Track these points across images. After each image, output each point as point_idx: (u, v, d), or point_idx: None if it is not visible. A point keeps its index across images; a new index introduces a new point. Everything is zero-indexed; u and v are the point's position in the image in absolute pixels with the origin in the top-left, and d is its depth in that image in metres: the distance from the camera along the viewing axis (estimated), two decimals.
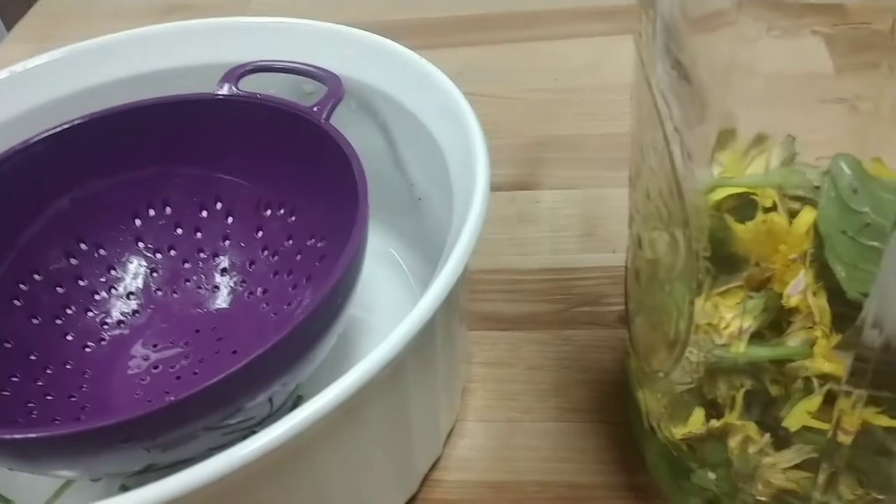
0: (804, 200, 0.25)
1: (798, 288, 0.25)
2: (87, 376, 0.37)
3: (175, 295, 0.40)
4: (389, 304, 0.40)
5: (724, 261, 0.25)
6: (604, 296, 0.39)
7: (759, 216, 0.23)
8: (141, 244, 0.40)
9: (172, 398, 0.26)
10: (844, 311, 0.23)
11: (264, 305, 0.38)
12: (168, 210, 0.40)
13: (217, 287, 0.40)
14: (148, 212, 0.40)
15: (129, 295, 0.39)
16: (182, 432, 0.28)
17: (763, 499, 0.26)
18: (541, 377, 0.37)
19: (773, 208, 0.24)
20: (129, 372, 0.37)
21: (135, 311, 0.39)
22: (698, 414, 0.26)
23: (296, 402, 0.35)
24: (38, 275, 0.37)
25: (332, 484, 0.28)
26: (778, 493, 0.26)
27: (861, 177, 0.24)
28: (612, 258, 0.41)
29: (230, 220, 0.40)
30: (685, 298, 0.24)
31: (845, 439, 0.24)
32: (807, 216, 0.24)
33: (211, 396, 0.27)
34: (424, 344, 0.28)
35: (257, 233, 0.40)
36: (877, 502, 0.25)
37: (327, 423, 0.24)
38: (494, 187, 0.47)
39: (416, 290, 0.41)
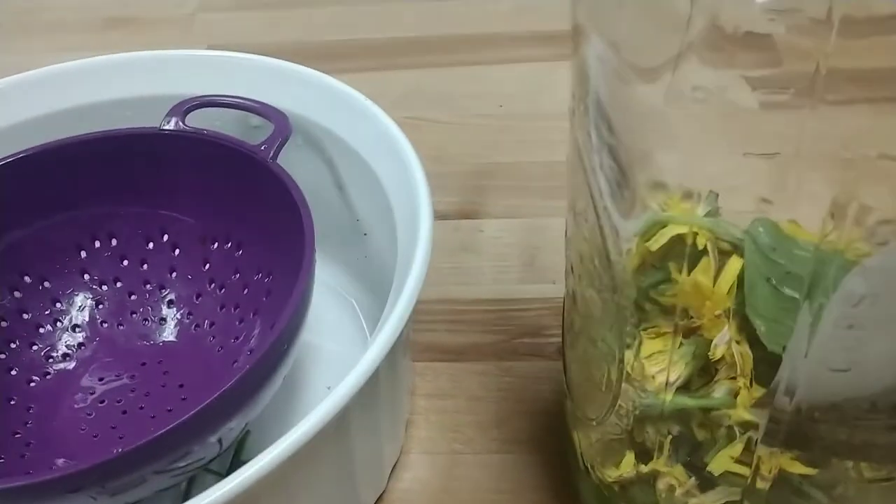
0: (733, 245, 0.26)
1: (723, 340, 0.26)
2: (31, 412, 0.37)
3: (121, 327, 0.40)
4: (336, 333, 0.41)
5: (655, 310, 0.26)
6: (544, 327, 0.41)
7: (683, 276, 0.24)
8: (86, 276, 0.40)
9: (120, 449, 0.27)
10: (767, 358, 0.25)
11: (211, 338, 0.39)
12: (114, 242, 0.40)
13: (164, 319, 0.40)
14: (93, 244, 0.40)
15: (74, 328, 0.39)
16: (131, 478, 0.29)
17: None
18: (482, 408, 0.38)
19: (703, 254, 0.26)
20: (75, 406, 0.37)
21: (80, 344, 0.39)
22: (629, 458, 0.28)
23: (243, 436, 0.36)
24: None
25: None
26: None
27: (777, 237, 0.26)
28: (552, 289, 0.42)
29: (177, 252, 0.40)
30: (615, 355, 0.25)
31: (763, 484, 0.25)
32: (734, 265, 0.26)
33: (159, 445, 0.28)
34: (369, 389, 0.29)
35: (204, 265, 0.40)
36: None
37: (274, 475, 0.25)
38: (439, 216, 0.48)
39: (362, 321, 0.42)
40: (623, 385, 0.26)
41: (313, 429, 0.25)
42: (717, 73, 0.20)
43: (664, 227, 0.26)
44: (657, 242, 0.26)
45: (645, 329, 0.25)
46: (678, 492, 0.28)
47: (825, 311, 0.20)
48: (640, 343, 0.25)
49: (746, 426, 0.26)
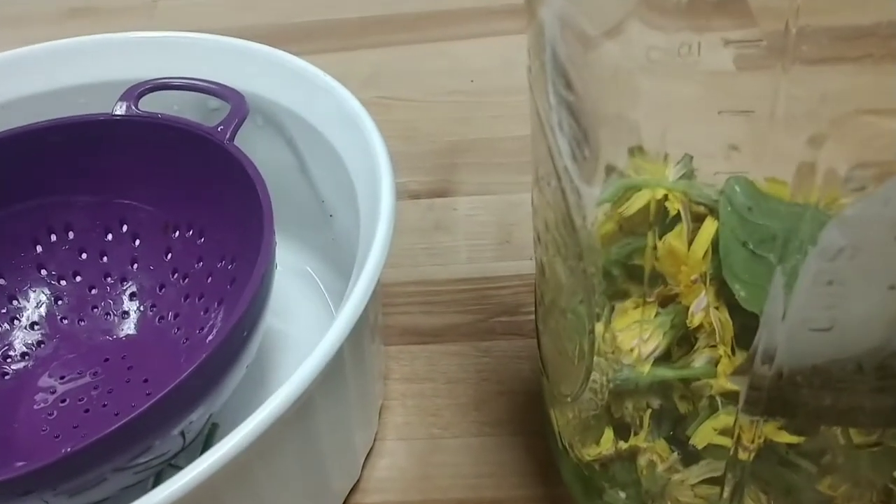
0: (708, 208, 0.25)
1: (700, 306, 0.25)
2: None
3: (82, 323, 0.38)
4: (305, 319, 0.40)
5: (624, 277, 0.25)
6: (521, 304, 0.39)
7: (653, 241, 0.23)
8: (43, 271, 0.38)
9: (69, 448, 0.25)
10: (749, 324, 0.24)
11: (176, 330, 0.37)
12: (71, 235, 0.39)
13: (126, 313, 0.38)
14: (49, 237, 0.38)
15: (32, 325, 0.38)
16: (87, 478, 0.27)
17: None
18: (460, 391, 0.37)
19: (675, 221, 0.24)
20: (36, 407, 0.36)
21: (39, 342, 0.38)
22: (608, 434, 0.26)
23: (211, 430, 0.35)
24: None
25: None
26: None
27: (754, 196, 0.24)
28: (529, 265, 0.40)
29: (137, 242, 0.39)
30: (586, 326, 0.24)
31: (745, 455, 0.24)
32: (709, 228, 0.25)
33: (112, 442, 0.26)
34: (333, 373, 0.28)
35: (166, 255, 0.38)
36: None
37: (232, 467, 0.23)
38: (412, 195, 0.47)
39: (330, 305, 0.40)
40: (595, 357, 0.24)
41: (271, 417, 0.24)
42: (683, 32, 0.19)
43: (637, 191, 0.24)
44: (630, 208, 0.24)
45: (614, 298, 0.23)
46: (660, 468, 0.26)
47: (802, 267, 0.19)
48: (611, 312, 0.23)
49: (729, 396, 0.25)
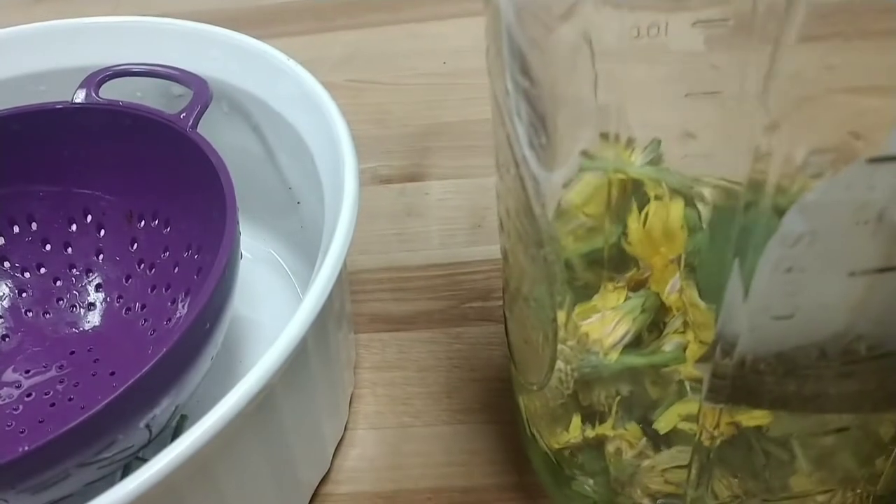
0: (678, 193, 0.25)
1: (675, 288, 0.24)
2: None
3: (47, 315, 0.38)
4: (274, 307, 0.39)
5: (584, 264, 0.24)
6: (494, 290, 0.39)
7: (614, 228, 0.22)
8: (6, 264, 0.38)
9: (26, 447, 0.25)
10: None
11: (143, 322, 0.37)
12: (34, 226, 0.38)
13: (92, 305, 0.38)
14: (12, 229, 0.38)
15: None
16: (48, 476, 0.27)
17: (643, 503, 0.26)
18: (432, 379, 0.36)
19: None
20: (0, 402, 0.35)
21: (3, 336, 0.37)
22: (576, 422, 0.26)
23: (180, 421, 0.34)
24: None
25: None
26: (657, 497, 0.26)
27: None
28: None
29: (102, 233, 0.38)
30: (548, 315, 0.23)
31: (709, 441, 0.24)
32: (676, 209, 0.24)
33: (72, 438, 0.26)
34: (297, 364, 0.27)
35: (132, 245, 0.38)
36: (750, 498, 0.25)
37: (191, 464, 0.23)
38: (384, 180, 0.46)
39: (299, 293, 0.40)
40: (559, 346, 0.24)
41: (231, 412, 0.23)
42: (650, 12, 0.19)
43: (603, 177, 0.24)
44: (595, 196, 0.24)
45: (577, 287, 0.23)
46: (629, 454, 0.26)
47: (763, 254, 0.19)
48: (574, 301, 0.23)
49: (699, 381, 0.24)
